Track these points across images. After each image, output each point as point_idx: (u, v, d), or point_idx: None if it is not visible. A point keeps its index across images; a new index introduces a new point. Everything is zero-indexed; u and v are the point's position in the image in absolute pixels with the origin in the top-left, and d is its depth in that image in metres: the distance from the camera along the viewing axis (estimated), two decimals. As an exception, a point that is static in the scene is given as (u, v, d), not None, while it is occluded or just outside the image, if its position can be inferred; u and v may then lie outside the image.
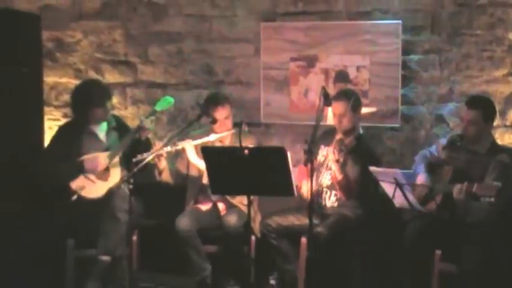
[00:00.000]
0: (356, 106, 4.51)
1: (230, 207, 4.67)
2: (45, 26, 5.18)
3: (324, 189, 4.59)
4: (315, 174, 4.40)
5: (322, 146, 4.61)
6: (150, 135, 4.77)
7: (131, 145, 4.55)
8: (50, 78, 5.63)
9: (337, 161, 4.43)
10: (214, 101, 4.64)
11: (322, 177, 4.60)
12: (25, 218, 4.57)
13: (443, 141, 4.45)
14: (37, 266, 4.56)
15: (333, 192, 4.56)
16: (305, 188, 4.42)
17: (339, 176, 4.45)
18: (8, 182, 4.53)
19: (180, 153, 4.73)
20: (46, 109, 5.38)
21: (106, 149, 4.63)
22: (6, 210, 4.48)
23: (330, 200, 4.58)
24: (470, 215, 4.01)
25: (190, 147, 4.60)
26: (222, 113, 4.60)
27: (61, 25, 5.63)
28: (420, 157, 4.48)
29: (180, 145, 4.55)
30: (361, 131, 4.62)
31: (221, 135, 4.62)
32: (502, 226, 4.06)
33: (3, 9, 5.04)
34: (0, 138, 4.50)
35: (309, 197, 4.24)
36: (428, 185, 4.29)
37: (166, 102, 4.67)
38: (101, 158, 4.53)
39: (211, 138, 4.59)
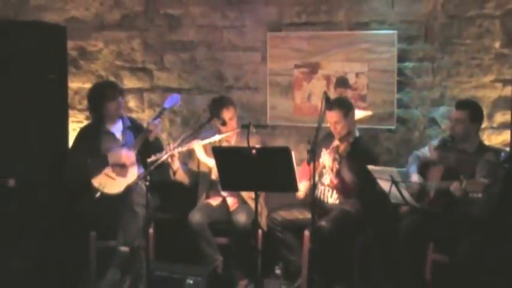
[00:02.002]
0: (349, 113, 4.51)
1: (240, 202, 4.69)
2: (70, 36, 5.20)
3: (326, 188, 4.61)
4: (317, 174, 4.45)
5: (324, 149, 4.62)
6: (164, 136, 4.80)
7: (144, 144, 4.59)
8: (74, 84, 5.68)
9: (332, 169, 4.49)
10: (219, 104, 4.68)
11: (324, 177, 4.62)
12: (53, 212, 4.61)
13: (434, 142, 4.47)
14: (64, 256, 4.60)
15: (335, 190, 4.58)
16: (302, 188, 4.44)
17: (335, 181, 4.49)
18: (37, 180, 4.57)
19: (191, 154, 4.77)
20: (70, 112, 5.42)
21: (122, 147, 4.65)
22: (35, 206, 4.52)
23: (332, 198, 4.60)
24: (472, 209, 4.02)
25: (199, 147, 4.64)
26: (226, 114, 4.63)
27: (84, 35, 5.68)
28: (413, 157, 4.50)
29: (190, 145, 4.60)
30: (357, 134, 4.63)
31: (226, 135, 4.65)
32: (493, 220, 4.07)
33: (34, 22, 5.09)
34: (29, 139, 4.53)
35: (304, 197, 4.32)
36: (422, 182, 4.31)
37: (173, 99, 4.73)
38: (123, 152, 4.57)
39: (218, 138, 4.62)
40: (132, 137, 4.72)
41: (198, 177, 4.79)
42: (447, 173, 4.18)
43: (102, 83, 5.02)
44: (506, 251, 4.03)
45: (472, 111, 4.24)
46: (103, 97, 4.65)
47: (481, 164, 4.00)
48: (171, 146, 4.49)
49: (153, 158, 4.35)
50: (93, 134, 4.70)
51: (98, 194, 4.49)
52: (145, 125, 4.79)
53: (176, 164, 4.60)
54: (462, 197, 3.92)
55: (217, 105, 4.66)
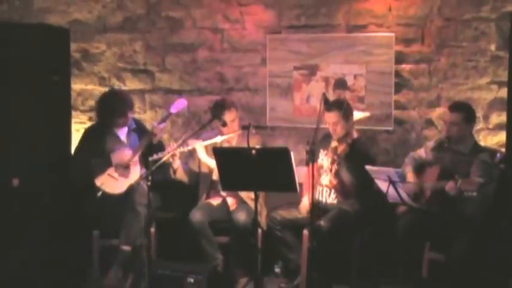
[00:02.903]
0: (347, 114, 4.52)
1: (240, 202, 4.69)
2: (74, 38, 5.19)
3: (325, 189, 4.62)
4: (316, 173, 4.46)
5: (322, 150, 4.64)
6: (165, 137, 4.82)
7: (147, 147, 4.61)
8: (77, 86, 5.69)
9: (331, 170, 4.50)
10: (221, 106, 4.68)
11: (322, 177, 4.63)
12: (56, 212, 4.62)
13: (430, 143, 4.49)
14: (67, 254, 4.60)
15: (333, 190, 4.59)
16: (304, 203, 4.52)
17: (334, 181, 4.51)
18: (40, 180, 4.58)
19: (192, 154, 4.79)
20: (73, 113, 5.41)
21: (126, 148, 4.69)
22: (39, 205, 4.54)
23: (330, 198, 4.61)
24: (467, 208, 4.04)
25: (200, 147, 4.65)
26: (229, 116, 4.64)
27: (87, 37, 5.69)
28: (409, 159, 4.52)
29: (192, 145, 4.61)
30: (355, 135, 4.63)
31: (228, 136, 4.67)
32: (488, 218, 4.08)
33: (38, 25, 5.09)
34: (32, 139, 4.55)
35: (306, 214, 4.35)
36: (419, 182, 4.33)
37: (180, 104, 4.74)
38: (126, 151, 4.59)
39: (219, 139, 4.64)
40: (137, 139, 4.74)
41: (198, 177, 4.81)
42: (443, 174, 4.20)
43: (113, 96, 4.86)
44: (500, 249, 4.04)
45: (466, 113, 4.27)
46: (113, 112, 4.66)
47: (476, 164, 4.02)
48: (173, 145, 4.51)
49: (154, 156, 4.37)
50: (99, 135, 4.72)
51: (100, 193, 4.51)
52: (149, 127, 4.80)
53: (177, 163, 4.61)
54: (457, 196, 3.95)
55: (219, 107, 4.67)
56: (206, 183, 4.78)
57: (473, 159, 4.06)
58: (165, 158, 4.34)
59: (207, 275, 4.11)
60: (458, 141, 4.27)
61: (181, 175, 4.70)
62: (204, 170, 4.75)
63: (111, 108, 4.68)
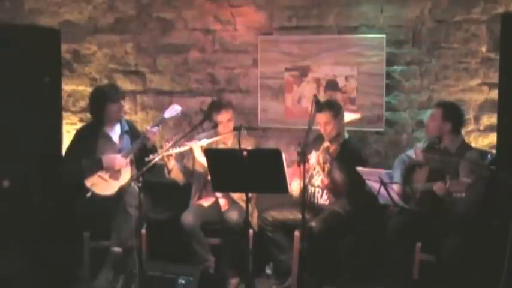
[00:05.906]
0: (338, 114, 4.55)
1: (231, 203, 4.70)
2: (64, 39, 5.20)
3: (316, 189, 4.64)
4: (308, 175, 4.47)
5: (314, 151, 4.64)
6: (157, 140, 4.83)
7: (140, 150, 4.61)
8: (68, 87, 5.68)
9: (323, 169, 4.51)
10: (218, 105, 4.70)
11: (314, 178, 4.64)
12: (46, 213, 4.61)
13: (419, 145, 4.50)
14: (57, 256, 4.60)
15: (325, 191, 4.61)
16: (295, 187, 4.45)
17: (326, 181, 4.51)
18: (31, 181, 4.57)
19: (187, 153, 4.79)
20: (64, 114, 5.39)
21: (119, 151, 4.66)
22: (29, 206, 4.53)
23: (322, 198, 4.63)
24: (457, 208, 4.05)
25: (197, 147, 4.64)
26: (225, 116, 4.65)
27: (78, 39, 5.68)
28: (398, 161, 4.53)
29: (188, 145, 4.60)
30: (346, 136, 4.66)
31: (223, 136, 4.67)
32: (477, 218, 4.09)
33: (29, 26, 5.12)
34: (23, 140, 4.54)
35: (299, 195, 4.30)
36: (410, 183, 4.34)
37: (174, 110, 4.74)
38: (118, 158, 4.59)
39: (215, 139, 4.64)
40: (129, 142, 4.74)
41: (192, 176, 4.80)
42: (433, 174, 4.21)
43: (105, 85, 5.08)
44: (491, 250, 4.05)
45: (445, 110, 4.29)
46: (105, 99, 4.65)
47: (463, 163, 4.03)
48: (165, 146, 4.50)
49: (151, 157, 4.37)
50: (90, 136, 4.71)
51: (89, 194, 4.51)
52: (143, 130, 4.79)
53: (172, 163, 4.60)
54: (446, 196, 3.96)
55: (216, 106, 4.69)
56: (200, 182, 4.78)
57: (461, 158, 4.07)
58: (157, 159, 4.32)
59: (199, 276, 4.10)
60: (434, 137, 4.32)
61: (176, 174, 4.69)
62: (199, 169, 4.74)
63: (103, 95, 4.68)
